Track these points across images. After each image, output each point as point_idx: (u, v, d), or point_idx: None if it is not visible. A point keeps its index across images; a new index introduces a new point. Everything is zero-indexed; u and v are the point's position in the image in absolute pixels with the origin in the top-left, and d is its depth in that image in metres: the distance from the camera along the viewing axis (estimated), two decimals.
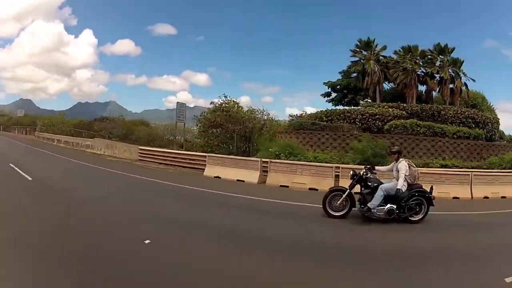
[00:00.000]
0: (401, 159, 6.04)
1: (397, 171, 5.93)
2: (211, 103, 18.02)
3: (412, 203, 5.80)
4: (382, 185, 5.80)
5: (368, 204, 5.70)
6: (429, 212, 5.94)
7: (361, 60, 21.12)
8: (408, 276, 3.55)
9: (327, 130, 15.31)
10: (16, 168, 10.38)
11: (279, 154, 11.68)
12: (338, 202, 5.93)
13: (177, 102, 17.65)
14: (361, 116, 16.70)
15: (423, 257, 4.17)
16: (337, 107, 23.08)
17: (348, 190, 5.91)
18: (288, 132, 15.85)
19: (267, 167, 10.34)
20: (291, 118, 18.50)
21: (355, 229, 5.48)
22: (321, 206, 6.00)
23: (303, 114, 18.90)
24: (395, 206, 5.66)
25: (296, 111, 46.51)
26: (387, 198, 5.72)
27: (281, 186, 9.73)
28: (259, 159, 10.80)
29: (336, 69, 42.32)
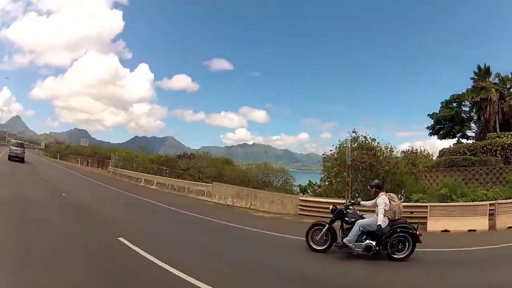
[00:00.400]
0: (381, 194, 5.90)
1: (377, 206, 5.79)
2: (352, 138, 14.70)
3: (394, 240, 5.63)
4: (359, 220, 5.77)
5: (344, 240, 5.73)
6: None
7: (479, 89, 19.84)
8: None
9: (477, 165, 14.19)
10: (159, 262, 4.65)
11: (448, 195, 10.48)
12: (318, 237, 6.07)
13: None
14: (500, 148, 15.65)
15: None
16: (440, 140, 23.47)
17: (327, 225, 6.03)
18: (439, 170, 14.20)
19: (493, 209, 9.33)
20: (440, 153, 17.28)
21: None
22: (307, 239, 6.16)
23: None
24: (374, 243, 5.58)
25: None
26: (368, 234, 5.67)
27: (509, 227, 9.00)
28: (486, 203, 9.43)
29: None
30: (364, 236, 5.65)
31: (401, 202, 6.31)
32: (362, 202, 6.40)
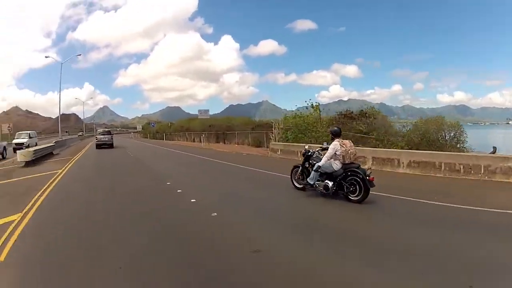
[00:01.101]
0: (335, 140, 6.23)
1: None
2: None
3: (347, 182, 5.92)
4: (317, 163, 6.38)
5: (307, 179, 6.57)
6: None
7: None
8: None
9: None
10: None
11: None
12: (296, 176, 7.09)
13: None
14: None
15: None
16: None
17: (300, 166, 7.03)
18: None
19: None
20: None
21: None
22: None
23: None
24: (331, 183, 6.07)
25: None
26: (327, 175, 6.21)
27: None
28: None
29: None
30: (324, 177, 6.22)
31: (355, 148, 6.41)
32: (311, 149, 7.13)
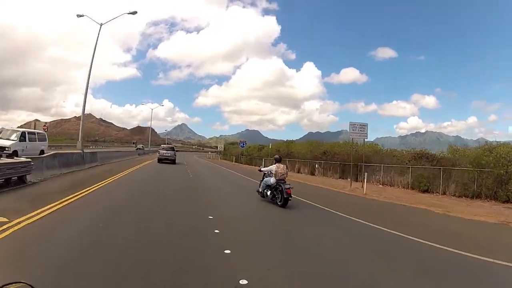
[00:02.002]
0: (275, 164, 8.84)
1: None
2: None
3: (276, 192, 8.60)
4: (265, 179, 9.27)
5: (259, 189, 9.51)
6: None
7: None
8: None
9: None
10: None
11: None
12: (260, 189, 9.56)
13: None
14: None
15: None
16: None
17: (259, 182, 9.73)
18: None
19: None
20: None
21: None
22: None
23: None
24: (269, 192, 8.88)
25: None
26: (269, 187, 8.93)
27: None
28: None
29: None
30: (268, 188, 8.92)
31: (287, 170, 9.03)
32: (263, 168, 9.89)
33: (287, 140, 37.57)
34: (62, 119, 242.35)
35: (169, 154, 26.34)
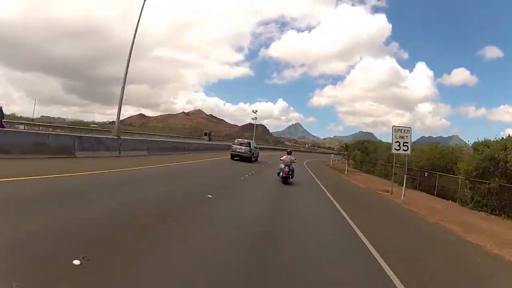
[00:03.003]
0: (286, 155, 13.12)
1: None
2: None
3: (288, 173, 12.54)
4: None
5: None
6: None
7: None
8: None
9: None
10: None
11: None
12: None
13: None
14: None
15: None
16: None
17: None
18: None
19: None
20: None
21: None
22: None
23: None
24: (281, 174, 12.72)
25: None
26: (281, 171, 12.76)
27: None
28: None
29: None
30: (280, 170, 12.89)
31: (292, 158, 12.95)
32: (281, 158, 13.23)
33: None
34: (169, 114, 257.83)
35: (243, 150, 22.02)
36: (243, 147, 22.26)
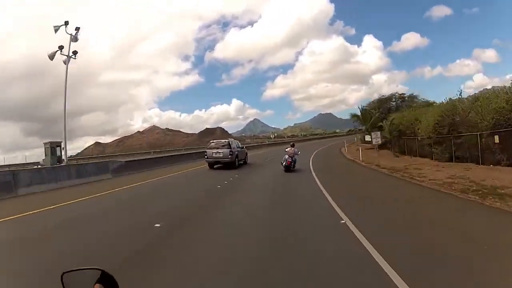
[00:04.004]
0: (289, 147, 14.68)
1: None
2: None
3: (291, 163, 13.99)
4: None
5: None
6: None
7: None
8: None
9: None
10: None
11: None
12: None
13: None
14: None
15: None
16: None
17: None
18: None
19: None
20: None
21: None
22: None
23: None
24: (284, 163, 14.07)
25: None
26: (285, 160, 14.13)
27: None
28: None
29: None
30: (283, 160, 14.11)
31: (295, 150, 14.51)
32: (286, 149, 14.85)
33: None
34: (124, 136, 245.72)
35: (222, 155, 16.79)
36: (221, 151, 16.94)
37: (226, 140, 18.34)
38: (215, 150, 17.07)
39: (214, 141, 18.63)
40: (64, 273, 1.04)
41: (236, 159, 17.31)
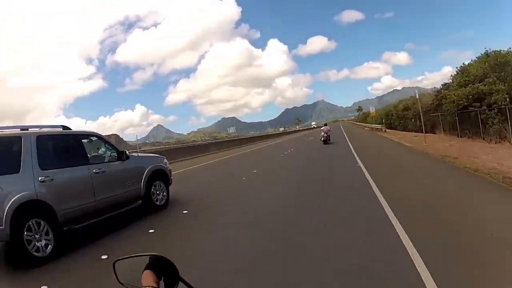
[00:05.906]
0: (324, 125, 23.51)
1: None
2: None
3: (328, 138, 20.26)
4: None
5: None
6: None
7: None
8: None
9: None
10: None
11: None
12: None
13: None
14: None
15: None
16: None
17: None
18: None
19: None
20: None
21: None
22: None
23: None
24: (322, 138, 20.17)
25: None
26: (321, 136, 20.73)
27: None
28: None
29: None
30: (321, 136, 20.71)
31: (329, 128, 21.11)
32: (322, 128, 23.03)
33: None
34: None
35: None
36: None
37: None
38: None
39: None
40: (116, 261, 1.02)
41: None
